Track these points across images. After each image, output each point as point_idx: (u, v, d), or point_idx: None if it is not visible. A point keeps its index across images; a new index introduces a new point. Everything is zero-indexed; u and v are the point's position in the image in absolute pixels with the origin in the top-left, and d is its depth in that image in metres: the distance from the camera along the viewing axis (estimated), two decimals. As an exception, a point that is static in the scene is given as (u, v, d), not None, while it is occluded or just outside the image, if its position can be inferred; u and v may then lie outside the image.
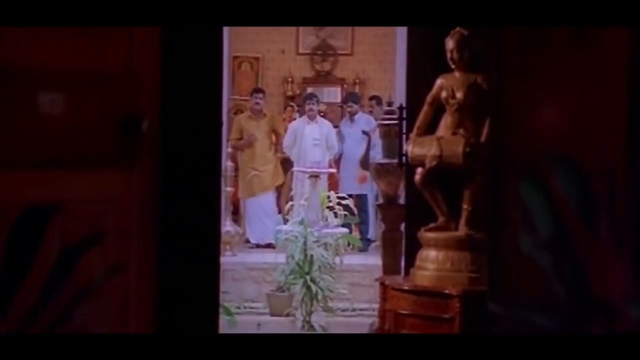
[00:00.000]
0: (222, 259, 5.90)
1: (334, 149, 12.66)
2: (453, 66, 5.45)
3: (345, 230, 10.96)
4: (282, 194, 13.16)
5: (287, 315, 10.26)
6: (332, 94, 16.14)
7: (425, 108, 5.53)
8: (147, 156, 3.88)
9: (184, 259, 4.26)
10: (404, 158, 5.98)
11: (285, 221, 11.01)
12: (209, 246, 4.49)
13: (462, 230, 5.35)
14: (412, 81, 6.42)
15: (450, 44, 5.42)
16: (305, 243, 10.00)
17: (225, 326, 8.48)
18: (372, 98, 13.99)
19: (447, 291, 5.13)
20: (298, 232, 10.14)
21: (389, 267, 7.58)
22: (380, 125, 8.01)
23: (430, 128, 5.50)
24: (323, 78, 16.25)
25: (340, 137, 12.99)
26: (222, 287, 5.75)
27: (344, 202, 10.90)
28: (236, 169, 12.52)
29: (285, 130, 12.94)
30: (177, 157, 4.18)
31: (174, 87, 4.13)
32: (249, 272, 11.20)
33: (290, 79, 16.20)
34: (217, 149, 4.59)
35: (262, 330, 10.13)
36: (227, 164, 11.42)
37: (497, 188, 4.00)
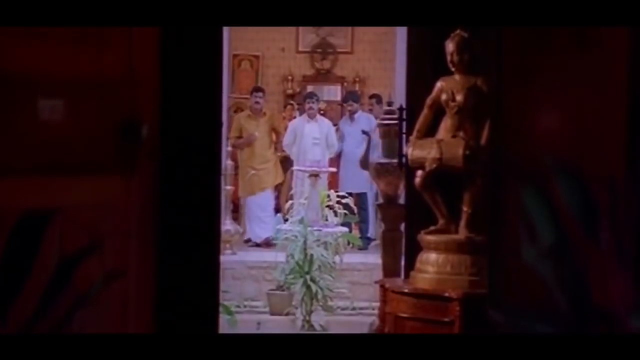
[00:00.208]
0: (222, 258, 5.90)
1: (334, 148, 12.66)
2: (453, 69, 5.45)
3: (345, 229, 10.96)
4: (282, 192, 13.16)
5: (287, 314, 10.26)
6: (332, 92, 16.14)
7: (425, 111, 5.53)
8: (147, 160, 3.87)
9: (183, 258, 4.25)
10: (404, 159, 5.97)
11: (285, 220, 11.01)
12: (209, 245, 4.48)
13: (462, 233, 5.35)
14: (412, 82, 6.41)
15: (450, 46, 5.42)
16: (305, 242, 9.99)
17: (225, 325, 8.49)
18: (372, 97, 13.98)
19: (447, 294, 5.13)
20: (298, 232, 10.13)
21: (389, 267, 7.57)
22: (380, 125, 7.99)
23: (430, 131, 5.50)
24: (323, 76, 16.24)
25: (340, 136, 12.98)
26: (222, 285, 5.74)
27: (343, 200, 10.90)
28: (236, 167, 12.51)
29: (285, 129, 12.93)
30: (177, 156, 4.17)
31: (174, 86, 4.12)
32: (248, 270, 11.19)
33: (290, 77, 16.19)
34: (217, 149, 4.59)
35: (262, 329, 10.13)
36: (227, 163, 11.41)
37: (497, 190, 3.99)
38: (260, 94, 12.97)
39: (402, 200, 7.39)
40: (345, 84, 16.13)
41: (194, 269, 4.31)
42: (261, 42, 15.95)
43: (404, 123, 6.41)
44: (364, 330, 8.30)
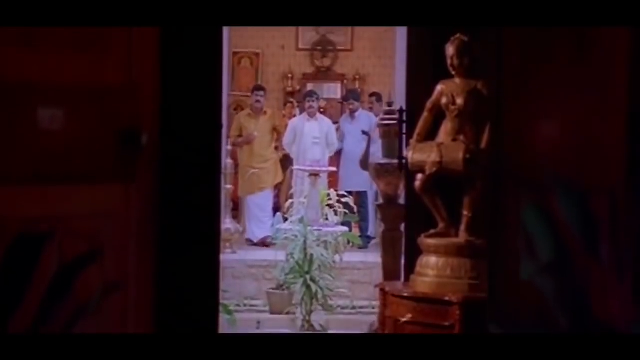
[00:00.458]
0: (222, 257, 5.90)
1: (334, 146, 12.65)
2: (453, 72, 5.43)
3: (345, 228, 10.95)
4: (282, 191, 13.15)
5: (287, 313, 10.26)
6: (332, 90, 16.14)
7: (425, 114, 5.52)
8: (147, 167, 3.87)
9: (183, 258, 4.26)
10: (404, 160, 5.96)
11: (285, 219, 11.01)
12: (209, 245, 4.49)
13: (462, 237, 5.34)
14: (412, 83, 6.40)
15: (450, 50, 5.40)
16: (305, 242, 9.99)
17: (224, 325, 8.50)
18: (372, 95, 13.99)
19: (447, 298, 5.12)
20: (298, 231, 10.13)
21: (389, 267, 7.56)
22: (380, 125, 7.97)
23: (430, 134, 5.49)
24: (323, 74, 16.24)
25: (341, 135, 12.98)
26: (222, 284, 5.73)
27: (343, 199, 10.90)
28: (236, 166, 12.51)
29: (285, 128, 12.92)
30: (177, 156, 4.18)
31: (174, 88, 4.13)
32: (248, 269, 11.19)
33: (290, 75, 16.19)
34: (217, 150, 4.61)
35: (262, 328, 10.14)
36: (226, 162, 11.40)
37: (497, 194, 3.99)
38: (262, 92, 12.95)
39: (402, 201, 7.38)
40: (345, 81, 16.13)
41: (194, 268, 4.32)
42: (261, 39, 15.93)
43: (404, 125, 6.40)
44: (364, 329, 8.30)
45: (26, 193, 3.38)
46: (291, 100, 15.14)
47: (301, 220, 10.23)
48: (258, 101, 12.77)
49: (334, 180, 12.84)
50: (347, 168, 12.82)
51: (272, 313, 10.45)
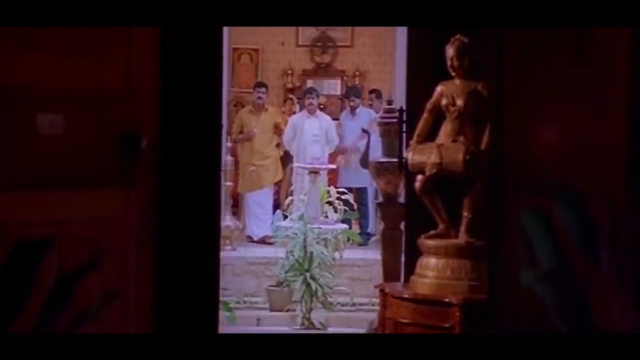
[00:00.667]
0: (222, 254, 5.90)
1: (334, 143, 12.64)
2: (453, 73, 5.43)
3: (345, 226, 10.95)
4: (282, 189, 13.15)
5: (287, 310, 10.26)
6: (332, 87, 16.13)
7: (425, 115, 5.51)
8: (147, 171, 3.87)
9: (183, 256, 4.26)
10: (403, 160, 5.96)
11: (285, 217, 11.00)
12: (209, 243, 4.49)
13: (462, 238, 5.34)
14: (412, 82, 6.40)
15: (450, 51, 5.40)
16: (305, 240, 9.98)
17: (225, 322, 8.50)
18: (371, 92, 14.00)
19: (447, 300, 5.12)
20: (298, 229, 10.12)
21: (389, 266, 7.56)
22: (380, 124, 7.97)
23: (430, 135, 5.48)
24: (323, 70, 16.23)
25: (342, 130, 12.98)
26: (222, 281, 5.74)
27: (343, 197, 10.89)
28: (236, 162, 12.50)
29: (285, 124, 12.91)
30: (177, 156, 4.18)
31: (173, 87, 4.12)
32: (248, 266, 11.19)
33: (290, 71, 16.18)
34: (217, 149, 4.61)
35: (262, 325, 10.14)
36: (226, 159, 11.40)
37: (498, 195, 3.99)
38: (263, 89, 12.93)
39: (402, 199, 7.38)
40: (345, 78, 16.12)
41: (194, 266, 4.33)
42: (261, 35, 15.91)
43: (404, 124, 6.39)
44: (364, 326, 8.29)
45: (26, 198, 3.37)
46: (291, 96, 15.11)
47: (301, 218, 10.23)
48: (260, 98, 12.76)
49: (333, 177, 12.84)
50: (347, 164, 12.83)
51: (272, 310, 10.45)
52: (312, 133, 12.37)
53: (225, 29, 8.95)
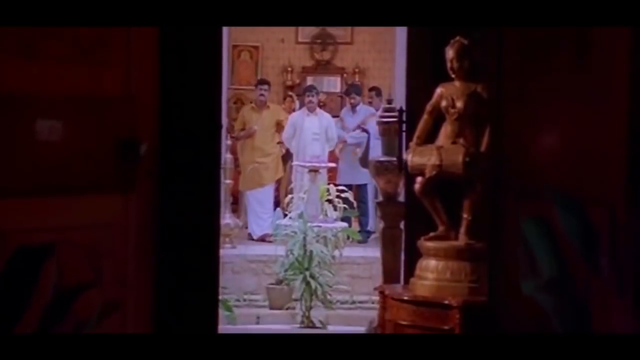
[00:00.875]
0: (222, 252, 5.90)
1: (334, 141, 12.63)
2: (453, 75, 5.42)
3: (345, 224, 10.95)
4: (281, 186, 13.14)
5: (287, 309, 10.26)
6: (332, 84, 16.13)
7: (425, 117, 5.51)
8: (147, 170, 3.87)
9: (183, 254, 4.26)
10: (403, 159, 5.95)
11: (285, 215, 11.00)
12: (208, 242, 4.49)
13: (461, 240, 5.33)
14: (412, 82, 6.40)
15: (450, 53, 5.39)
16: (304, 239, 9.98)
17: (224, 321, 8.51)
18: (371, 89, 14.01)
19: (447, 302, 5.12)
20: (297, 228, 10.12)
21: (389, 265, 7.56)
22: (379, 123, 7.96)
23: (430, 137, 5.48)
24: (323, 67, 16.22)
25: (343, 126, 12.98)
26: (222, 279, 5.74)
27: (343, 195, 10.89)
28: (235, 160, 12.50)
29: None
30: (177, 155, 4.18)
31: (173, 87, 4.12)
32: (248, 264, 11.21)
33: (289, 68, 16.17)
34: (217, 148, 4.61)
35: (262, 323, 10.15)
36: (226, 156, 11.40)
37: (497, 197, 3.98)
38: (266, 86, 12.94)
39: (401, 198, 7.38)
40: (345, 75, 16.12)
41: (194, 265, 4.33)
42: (261, 32, 15.89)
43: (404, 124, 6.39)
44: (364, 324, 8.30)
45: (26, 204, 3.36)
46: (290, 94, 15.11)
47: (300, 216, 10.22)
48: (262, 95, 12.77)
49: (333, 175, 12.84)
50: (347, 160, 12.83)
51: (271, 308, 10.46)
52: (311, 131, 12.36)
53: (225, 27, 8.95)
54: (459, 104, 5.35)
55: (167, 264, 4.11)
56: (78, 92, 3.55)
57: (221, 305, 7.75)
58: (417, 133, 5.53)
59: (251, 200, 12.64)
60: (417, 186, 5.43)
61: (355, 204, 11.55)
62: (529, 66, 3.68)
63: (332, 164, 12.48)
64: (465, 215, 5.34)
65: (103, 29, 3.60)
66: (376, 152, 8.89)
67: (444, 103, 5.40)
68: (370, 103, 13.55)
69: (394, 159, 6.75)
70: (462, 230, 5.35)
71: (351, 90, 13.61)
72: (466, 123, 5.35)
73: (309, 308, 9.82)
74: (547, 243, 3.00)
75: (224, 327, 7.73)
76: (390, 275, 7.06)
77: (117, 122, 3.67)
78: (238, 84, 15.78)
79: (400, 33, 11.27)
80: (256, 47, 16.09)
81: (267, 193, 12.69)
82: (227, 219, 11.44)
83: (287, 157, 12.97)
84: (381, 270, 7.62)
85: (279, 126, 12.70)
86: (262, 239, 12.15)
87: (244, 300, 10.68)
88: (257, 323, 10.22)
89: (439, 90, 5.46)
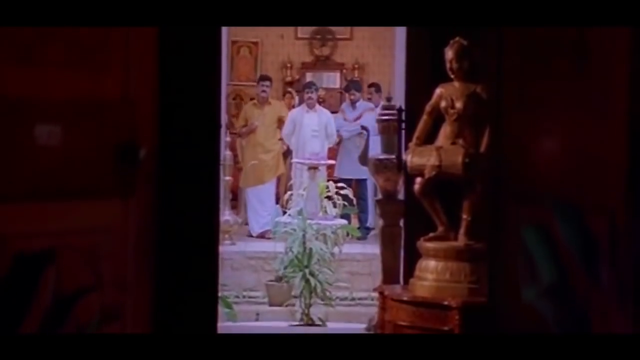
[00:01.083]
0: (221, 248, 5.90)
1: (333, 137, 12.62)
2: (452, 76, 5.41)
3: (344, 221, 10.94)
4: (281, 183, 13.13)
5: (287, 305, 10.26)
6: (332, 80, 16.11)
7: (424, 117, 5.50)
8: (147, 173, 3.87)
9: (182, 252, 4.26)
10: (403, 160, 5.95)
11: (284, 212, 10.99)
12: (208, 239, 4.50)
13: (461, 241, 5.33)
14: (411, 81, 6.39)
15: (449, 54, 5.38)
16: (304, 236, 9.97)
17: (224, 318, 8.51)
18: (371, 85, 14.01)
19: (446, 303, 5.11)
20: (297, 225, 10.11)
21: (388, 264, 7.54)
22: (378, 121, 7.96)
23: (429, 137, 5.47)
24: (322, 63, 16.19)
25: (344, 117, 12.98)
26: (221, 276, 5.74)
27: (342, 192, 10.88)
28: (235, 156, 12.49)
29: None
30: (177, 154, 4.18)
31: (172, 87, 4.12)
32: (247, 261, 11.21)
33: (289, 64, 16.14)
34: (217, 148, 4.61)
35: (261, 320, 10.15)
36: (225, 153, 11.39)
37: (497, 198, 3.98)
38: (267, 82, 12.93)
39: (401, 196, 7.37)
40: (344, 70, 16.09)
41: (193, 261, 4.33)
42: (260, 28, 15.76)
43: (403, 124, 6.38)
44: (363, 321, 8.30)
45: (25, 209, 3.36)
46: (290, 90, 15.09)
47: (300, 213, 10.21)
48: (264, 91, 12.75)
49: (333, 169, 12.83)
50: (348, 157, 12.82)
51: (271, 305, 10.46)
52: (311, 128, 12.34)
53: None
54: (459, 105, 5.34)
55: (167, 262, 4.11)
56: (77, 96, 3.54)
57: (221, 302, 7.76)
58: (416, 134, 5.52)
59: (251, 197, 12.62)
60: (416, 187, 5.43)
61: (354, 201, 11.53)
62: (528, 67, 3.68)
63: (332, 161, 12.46)
64: (464, 216, 5.34)
65: (101, 33, 3.61)
66: (375, 149, 8.87)
67: (443, 104, 5.40)
68: (369, 99, 13.54)
69: (393, 157, 6.74)
70: (462, 231, 5.34)
71: (351, 86, 13.60)
72: (465, 124, 5.34)
73: (309, 306, 9.81)
74: (547, 251, 2.99)
75: (223, 324, 7.73)
76: (389, 274, 7.05)
77: (116, 126, 3.67)
78: (237, 80, 15.76)
79: (400, 29, 11.24)
80: (255, 43, 16.06)
81: (267, 190, 12.66)
82: (226, 215, 11.44)
83: (288, 153, 12.95)
84: (380, 268, 7.61)
85: (281, 122, 12.67)
86: (262, 236, 12.14)
87: (244, 297, 10.69)
88: (257, 320, 10.22)
89: (438, 91, 5.45)
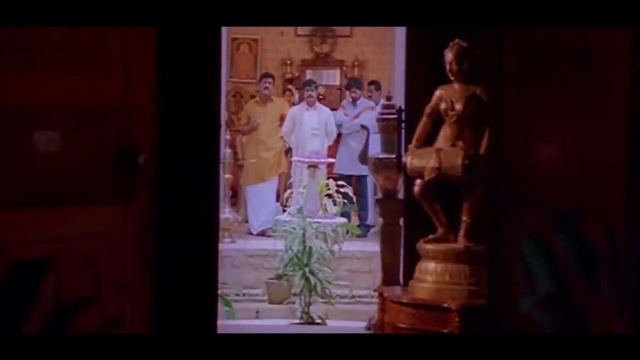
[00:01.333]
0: (221, 246, 5.91)
1: (333, 135, 12.61)
2: (452, 78, 5.42)
3: (344, 220, 10.94)
4: (281, 181, 13.12)
5: (287, 303, 10.26)
6: (331, 77, 16.10)
7: (424, 119, 5.51)
8: (147, 177, 3.87)
9: (182, 250, 4.26)
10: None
11: (284, 210, 10.98)
12: (207, 237, 4.50)
13: (461, 242, 5.34)
14: (411, 80, 6.39)
15: (449, 55, 5.39)
16: (304, 234, 9.97)
17: (223, 316, 8.51)
18: (371, 83, 13.98)
19: (446, 305, 5.12)
20: (297, 224, 10.11)
21: (388, 262, 7.54)
22: (379, 120, 7.96)
23: (429, 139, 5.47)
24: (322, 60, 16.17)
25: (345, 112, 12.98)
26: (221, 274, 5.74)
27: (342, 189, 10.87)
28: (235, 154, 12.48)
29: (286, 116, 12.89)
30: (176, 154, 4.18)
31: (172, 86, 4.11)
32: (247, 258, 11.21)
33: (289, 61, 16.12)
34: (216, 147, 4.61)
35: (261, 318, 10.15)
36: (225, 151, 11.39)
37: (497, 200, 3.98)
38: (270, 79, 12.89)
39: (401, 195, 7.37)
40: (344, 67, 16.07)
41: (193, 259, 4.33)
42: (260, 25, 15.84)
43: (403, 124, 6.38)
44: (363, 318, 8.30)
45: (25, 216, 3.36)
46: (290, 87, 15.08)
47: (300, 211, 10.21)
48: (266, 88, 12.71)
49: (333, 167, 12.82)
50: (347, 153, 12.82)
51: (271, 303, 10.46)
52: (311, 126, 12.32)
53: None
54: (458, 107, 5.34)
55: (167, 261, 4.11)
56: (76, 102, 3.54)
57: (220, 300, 7.76)
58: (416, 135, 5.52)
59: (251, 195, 12.61)
60: (416, 188, 5.43)
61: (354, 199, 11.53)
62: (528, 69, 3.67)
63: (332, 159, 12.46)
64: (464, 218, 5.34)
65: (100, 38, 3.60)
66: (375, 148, 8.87)
67: (443, 105, 5.40)
68: (369, 97, 13.52)
69: (393, 156, 6.74)
70: (462, 232, 5.35)
71: (352, 84, 13.59)
72: (465, 125, 5.34)
73: (309, 304, 9.81)
74: (546, 261, 2.99)
75: (223, 322, 7.73)
76: (389, 273, 7.06)
77: (115, 131, 3.66)
78: (237, 77, 15.73)
79: (400, 27, 11.26)
80: (255, 40, 16.03)
81: (268, 188, 12.61)
82: (226, 213, 11.43)
83: (289, 151, 12.93)
84: (380, 266, 7.61)
85: (283, 120, 12.65)
86: (262, 234, 12.14)
87: (243, 294, 10.69)
88: (257, 317, 10.22)
89: (438, 93, 5.45)
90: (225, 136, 11.70)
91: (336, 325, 9.46)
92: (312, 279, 9.80)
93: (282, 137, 12.71)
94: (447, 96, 5.40)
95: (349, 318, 9.75)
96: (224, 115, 11.45)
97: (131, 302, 3.83)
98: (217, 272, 4.74)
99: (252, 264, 11.16)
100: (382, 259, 7.75)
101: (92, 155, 3.59)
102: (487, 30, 4.06)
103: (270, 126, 12.61)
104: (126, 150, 3.65)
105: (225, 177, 11.43)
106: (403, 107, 6.46)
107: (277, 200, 12.28)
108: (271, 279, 10.54)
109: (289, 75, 16.01)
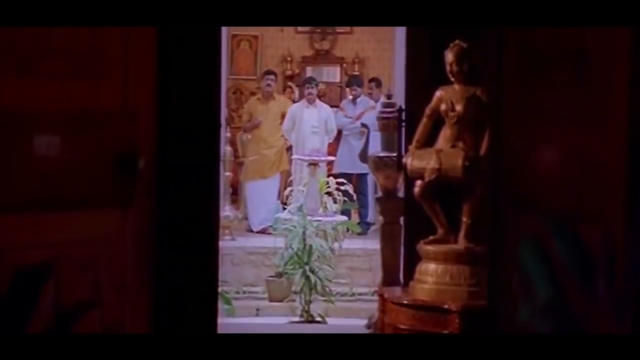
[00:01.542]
0: (221, 244, 5.90)
1: (333, 132, 12.59)
2: (452, 79, 5.41)
3: (344, 218, 10.94)
4: (282, 179, 13.12)
5: (287, 301, 10.26)
6: (332, 74, 16.08)
7: (424, 120, 5.50)
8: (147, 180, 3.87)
9: (183, 248, 4.26)
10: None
11: (284, 208, 10.98)
12: (208, 235, 4.50)
13: (461, 244, 5.34)
14: (411, 80, 6.38)
15: (449, 56, 5.38)
16: (304, 233, 9.97)
17: (223, 314, 8.51)
18: (371, 80, 13.96)
19: (446, 306, 5.12)
20: (297, 222, 10.11)
21: (388, 261, 7.54)
22: (379, 119, 7.95)
23: (429, 140, 5.47)
24: (322, 57, 16.15)
25: (345, 114, 12.97)
26: (221, 271, 5.74)
27: (342, 187, 10.87)
28: (235, 151, 12.47)
29: (287, 114, 12.87)
30: (176, 154, 4.17)
31: (172, 87, 4.11)
32: (247, 256, 11.21)
33: (289, 58, 16.10)
34: (216, 147, 4.61)
35: (261, 316, 10.16)
36: (225, 149, 11.38)
37: (497, 201, 3.97)
38: (272, 76, 12.84)
39: (401, 194, 7.37)
40: (344, 64, 16.06)
41: (193, 257, 4.33)
42: (260, 22, 15.80)
43: (403, 124, 6.38)
44: (363, 316, 8.31)
45: (24, 221, 3.36)
46: (290, 84, 15.07)
47: (300, 209, 10.21)
48: (269, 85, 12.66)
49: (331, 165, 12.81)
50: (348, 151, 12.81)
51: (271, 300, 10.46)
52: (311, 124, 12.30)
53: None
54: (459, 108, 5.34)
55: (167, 259, 4.11)
56: (75, 107, 3.54)
57: (220, 298, 7.76)
58: (416, 137, 5.52)
59: (250, 192, 12.59)
60: (416, 190, 5.43)
61: (354, 197, 11.52)
62: (529, 70, 3.66)
63: (332, 158, 12.45)
64: (464, 219, 5.34)
65: (100, 42, 3.59)
66: (375, 146, 8.87)
67: (443, 106, 5.40)
68: (370, 94, 13.51)
69: (394, 154, 6.73)
70: (462, 233, 5.35)
71: (353, 81, 13.57)
72: (465, 127, 5.34)
73: (309, 302, 9.82)
74: (544, 267, 2.98)
75: (223, 320, 7.73)
76: (389, 272, 7.06)
77: (115, 136, 3.65)
78: (237, 74, 15.72)
79: (400, 24, 11.25)
80: (255, 37, 16.01)
81: (269, 185, 12.58)
82: (226, 211, 11.43)
83: (290, 149, 12.91)
84: (380, 264, 7.62)
85: (284, 116, 12.65)
86: (262, 231, 12.13)
87: (244, 292, 10.68)
88: (257, 315, 10.23)
89: (438, 94, 5.45)
90: (225, 133, 11.69)
91: (336, 323, 9.46)
92: (312, 277, 9.80)
93: (283, 135, 12.70)
94: (447, 97, 5.40)
95: (349, 316, 9.74)
96: (224, 112, 11.44)
97: (131, 305, 3.83)
98: (218, 270, 4.75)
99: (253, 261, 11.15)
100: (382, 258, 7.75)
101: (92, 159, 3.58)
102: (487, 30, 4.06)
103: (272, 124, 12.58)
104: (126, 154, 3.65)
105: (226, 174, 11.42)
106: (403, 107, 6.46)
107: (278, 198, 12.27)
108: (271, 276, 10.54)
109: (289, 72, 16.00)
